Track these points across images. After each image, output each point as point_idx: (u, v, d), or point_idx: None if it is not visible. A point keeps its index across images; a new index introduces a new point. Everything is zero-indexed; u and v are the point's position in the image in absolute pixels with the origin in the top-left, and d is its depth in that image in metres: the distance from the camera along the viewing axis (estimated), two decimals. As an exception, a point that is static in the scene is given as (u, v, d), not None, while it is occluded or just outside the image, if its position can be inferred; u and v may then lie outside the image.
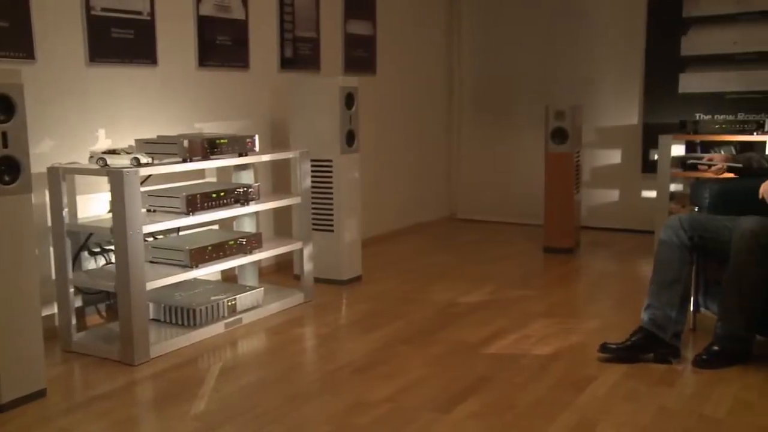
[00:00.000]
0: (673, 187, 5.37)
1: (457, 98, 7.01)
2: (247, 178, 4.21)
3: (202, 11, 4.35)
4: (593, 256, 5.47)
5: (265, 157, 4.07)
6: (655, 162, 5.50)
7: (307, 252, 4.24)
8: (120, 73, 3.91)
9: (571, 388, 2.94)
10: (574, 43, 6.40)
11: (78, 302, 3.57)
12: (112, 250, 3.55)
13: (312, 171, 4.40)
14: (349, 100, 4.50)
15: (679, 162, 5.35)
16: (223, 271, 4.21)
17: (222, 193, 3.71)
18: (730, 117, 5.72)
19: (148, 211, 3.59)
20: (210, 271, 3.67)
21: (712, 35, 5.82)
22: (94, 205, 3.74)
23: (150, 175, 3.61)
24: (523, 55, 6.62)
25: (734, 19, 5.72)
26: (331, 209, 4.55)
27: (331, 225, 4.56)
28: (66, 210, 3.34)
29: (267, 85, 4.88)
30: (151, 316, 3.65)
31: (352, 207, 4.61)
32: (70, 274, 3.38)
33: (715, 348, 3.16)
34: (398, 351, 3.41)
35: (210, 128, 4.46)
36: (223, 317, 3.73)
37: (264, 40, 4.84)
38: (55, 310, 3.47)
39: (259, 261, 4.31)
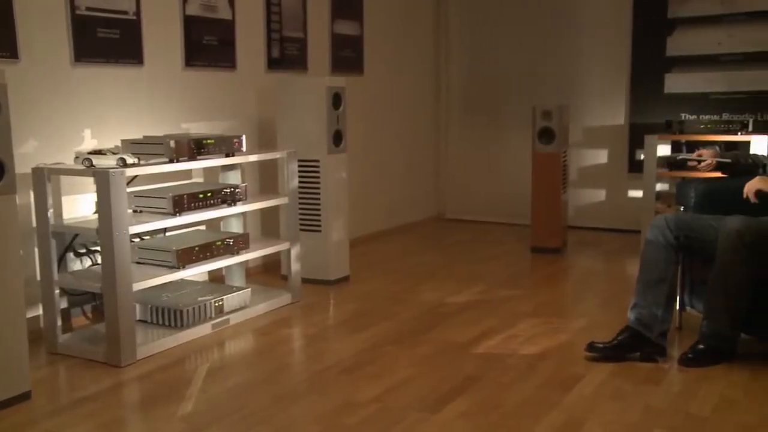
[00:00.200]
0: (659, 186, 5.40)
1: (444, 98, 7.03)
2: (234, 178, 4.20)
3: (188, 11, 4.33)
4: (580, 255, 5.49)
5: (253, 158, 4.06)
6: (641, 162, 5.53)
7: (294, 252, 4.23)
8: (106, 73, 3.89)
9: (559, 387, 2.95)
10: (561, 43, 6.42)
11: (63, 304, 3.54)
12: (98, 251, 3.53)
13: (299, 171, 4.39)
14: (337, 100, 4.50)
15: (665, 162, 5.38)
16: (210, 272, 4.20)
17: (209, 194, 3.69)
18: (715, 117, 5.77)
19: (135, 211, 3.57)
20: (197, 272, 3.65)
21: (698, 36, 5.86)
22: (80, 205, 3.72)
23: (136, 176, 3.59)
24: (511, 55, 6.63)
25: (719, 20, 5.76)
26: (319, 209, 4.54)
27: (319, 225, 4.55)
28: (51, 211, 3.32)
29: (254, 86, 4.87)
30: (138, 317, 3.63)
31: (339, 207, 4.61)
32: (56, 276, 3.36)
33: (701, 346, 3.18)
34: (386, 351, 3.41)
35: (197, 128, 4.44)
36: (211, 318, 3.72)
37: (251, 40, 4.82)
38: (40, 311, 3.45)
39: (247, 261, 4.29)
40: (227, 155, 3.82)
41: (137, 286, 3.30)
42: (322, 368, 3.21)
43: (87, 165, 3.28)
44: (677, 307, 3.46)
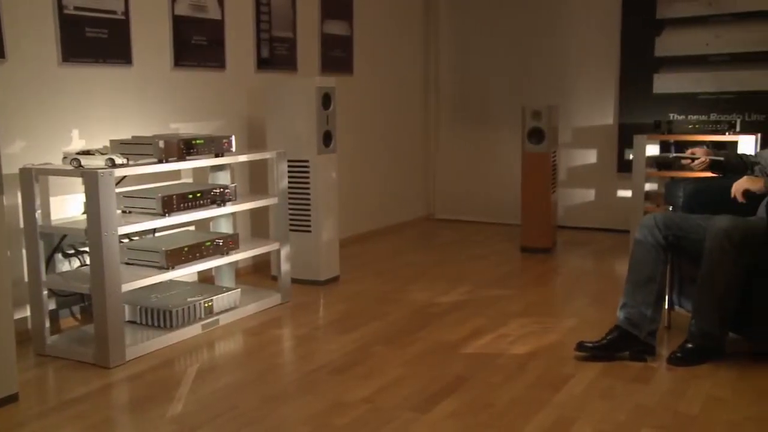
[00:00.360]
0: (648, 186, 5.43)
1: (434, 98, 7.03)
2: (223, 178, 4.19)
3: (177, 11, 4.32)
4: (570, 255, 5.51)
5: (242, 158, 4.05)
6: (630, 162, 5.55)
7: (284, 252, 4.23)
8: (94, 73, 3.87)
9: (548, 386, 2.95)
10: (550, 43, 6.44)
11: (52, 305, 3.53)
12: (86, 252, 3.52)
13: (289, 171, 4.39)
14: (326, 100, 4.49)
15: (654, 161, 5.41)
16: (199, 273, 4.19)
17: (198, 194, 3.68)
18: (703, 117, 5.80)
19: (124, 212, 3.56)
20: (186, 273, 3.64)
21: (685, 36, 5.89)
22: (68, 206, 3.70)
23: (125, 176, 3.58)
24: (500, 55, 6.65)
25: (706, 20, 5.79)
26: (309, 210, 4.54)
27: (309, 225, 4.55)
28: (39, 211, 3.30)
29: (243, 86, 4.86)
30: (127, 318, 3.62)
31: (329, 207, 4.60)
32: (44, 276, 3.34)
33: (690, 345, 3.20)
34: (376, 351, 3.41)
35: (186, 129, 4.43)
36: (200, 319, 3.71)
37: (240, 40, 4.81)
38: (28, 312, 3.42)
39: (236, 262, 4.28)
40: (217, 155, 3.81)
41: (126, 287, 3.29)
42: (312, 369, 3.21)
43: (75, 165, 3.26)
44: (666, 307, 3.48)
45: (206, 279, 4.41)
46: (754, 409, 2.74)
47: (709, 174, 3.72)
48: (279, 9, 5.12)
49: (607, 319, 3.49)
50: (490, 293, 4.38)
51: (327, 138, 4.52)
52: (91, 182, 3.13)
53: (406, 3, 6.67)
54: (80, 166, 3.26)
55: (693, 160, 3.60)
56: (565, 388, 2.93)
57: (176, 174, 4.23)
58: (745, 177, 3.24)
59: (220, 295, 3.84)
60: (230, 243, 3.87)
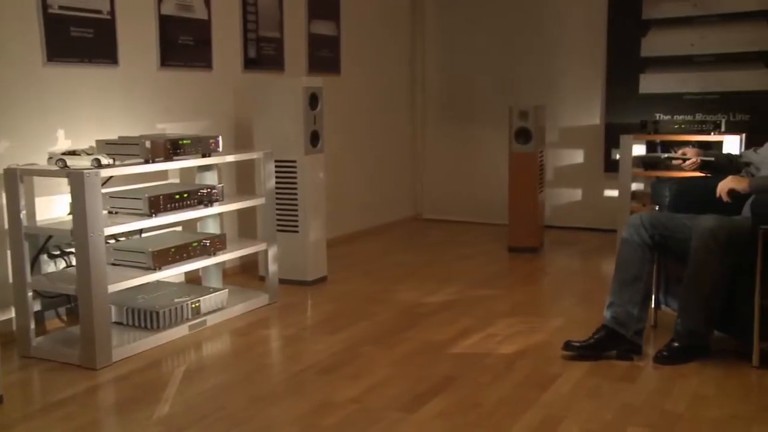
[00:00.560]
0: (635, 186, 5.46)
1: (421, 98, 7.04)
2: (210, 179, 4.17)
3: (163, 10, 4.30)
4: (557, 255, 5.53)
5: (229, 158, 4.03)
6: (617, 161, 5.58)
7: (271, 253, 4.22)
8: (80, 73, 3.85)
9: (536, 386, 2.96)
10: (537, 44, 6.46)
11: (37, 306, 3.50)
12: (72, 253, 3.49)
13: (276, 172, 4.38)
14: (314, 100, 4.49)
15: (642, 161, 5.44)
16: (186, 273, 4.17)
17: (185, 195, 3.67)
18: (689, 117, 5.83)
19: (110, 212, 3.53)
20: (173, 273, 3.63)
21: (671, 37, 5.93)
22: (53, 206, 3.67)
23: (111, 177, 3.56)
24: (487, 56, 6.66)
25: (691, 21, 5.83)
26: (296, 210, 4.53)
27: (296, 226, 4.54)
28: (24, 212, 3.28)
29: (230, 86, 4.85)
30: (114, 319, 3.60)
31: (316, 207, 4.60)
32: (29, 278, 3.32)
33: (676, 344, 3.21)
34: (364, 351, 3.40)
35: (172, 129, 4.41)
36: (187, 319, 3.69)
37: (227, 40, 4.80)
38: (13, 314, 3.40)
39: (224, 262, 4.27)
40: (203, 156, 3.80)
41: (113, 288, 3.27)
42: (299, 369, 3.20)
43: (61, 166, 3.24)
44: (652, 306, 3.50)
45: (193, 279, 4.39)
46: (739, 406, 2.76)
47: (695, 174, 3.75)
48: (266, 9, 5.11)
49: (594, 319, 3.51)
50: (477, 293, 4.39)
51: (314, 138, 4.52)
52: (77, 183, 3.11)
53: (393, 3, 6.67)
54: (66, 166, 3.24)
55: (684, 160, 3.63)
56: (552, 388, 2.94)
57: (163, 174, 4.21)
58: (730, 177, 3.27)
59: (207, 296, 3.82)
60: (217, 243, 3.86)
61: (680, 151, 3.68)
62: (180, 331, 3.62)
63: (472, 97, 6.78)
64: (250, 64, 4.99)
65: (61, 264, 3.64)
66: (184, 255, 3.65)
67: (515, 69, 6.55)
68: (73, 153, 3.31)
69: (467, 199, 6.87)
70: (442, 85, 6.94)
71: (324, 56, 5.73)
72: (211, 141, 3.83)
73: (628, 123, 5.88)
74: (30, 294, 3.33)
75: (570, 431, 2.56)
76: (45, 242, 3.53)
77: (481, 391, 2.91)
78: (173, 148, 3.59)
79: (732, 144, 5.08)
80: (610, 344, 3.25)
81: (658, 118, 5.88)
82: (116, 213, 3.53)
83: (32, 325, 3.35)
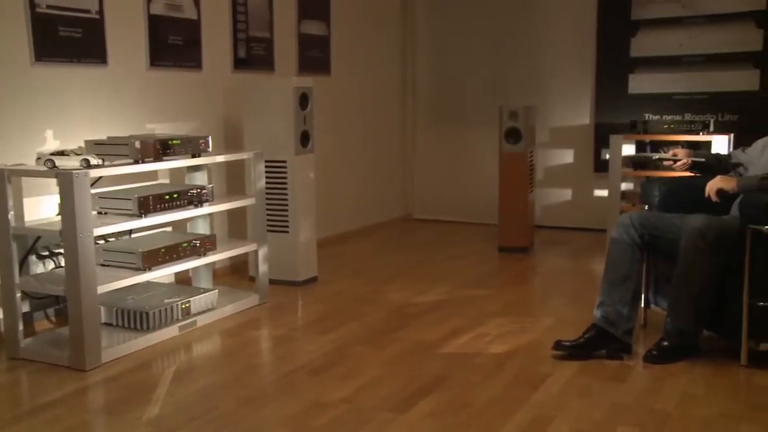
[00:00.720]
0: (624, 186, 5.48)
1: (411, 99, 7.04)
2: (200, 179, 4.16)
3: (152, 10, 4.28)
4: (547, 254, 5.54)
5: (219, 158, 4.02)
6: (606, 161, 5.60)
7: (262, 253, 4.21)
8: (68, 73, 3.83)
9: (526, 385, 2.97)
10: (526, 44, 6.48)
11: (25, 307, 3.48)
12: (61, 254, 3.48)
13: (266, 172, 4.37)
14: (304, 100, 4.48)
15: (634, 161, 5.46)
16: (176, 274, 4.15)
17: (175, 195, 3.65)
18: (678, 117, 5.86)
19: (99, 213, 3.52)
20: (163, 274, 3.62)
21: (660, 37, 5.95)
22: (42, 207, 3.65)
23: (100, 177, 3.54)
24: (477, 56, 6.67)
25: (680, 22, 5.86)
26: (286, 210, 4.52)
27: (287, 226, 4.53)
28: (12, 213, 3.25)
29: (220, 86, 4.83)
30: (103, 320, 3.58)
31: (307, 208, 4.59)
32: (17, 279, 3.30)
33: (665, 343, 3.23)
34: (354, 351, 3.40)
35: (162, 129, 4.39)
36: (177, 320, 3.68)
37: (217, 40, 4.78)
38: (1, 315, 3.38)
39: (214, 263, 4.26)
40: (193, 156, 3.79)
41: (102, 289, 3.25)
42: (290, 369, 3.20)
43: (50, 166, 3.23)
44: (642, 305, 3.51)
45: (183, 280, 4.37)
46: (728, 405, 2.78)
47: (684, 173, 3.77)
48: (256, 9, 5.10)
49: (584, 318, 3.52)
50: (468, 293, 4.40)
51: (304, 138, 4.51)
52: (66, 183, 3.09)
53: (384, 3, 6.67)
54: (55, 166, 3.22)
55: (675, 161, 3.65)
56: (542, 387, 2.95)
57: (153, 175, 4.19)
58: (718, 177, 3.29)
59: (197, 297, 3.81)
60: (207, 244, 3.84)
61: (671, 152, 3.70)
62: (170, 332, 3.61)
63: (462, 97, 6.79)
64: (239, 64, 4.98)
65: (50, 265, 3.63)
66: (174, 255, 3.63)
67: (505, 69, 6.56)
68: (61, 153, 3.29)
69: (458, 199, 6.88)
70: (433, 85, 6.95)
71: (314, 56, 5.72)
72: (201, 141, 3.82)
73: (618, 123, 5.91)
74: (18, 295, 3.31)
75: (560, 430, 2.57)
76: (33, 243, 3.51)
77: (472, 391, 2.92)
78: (163, 149, 3.58)
79: (720, 144, 5.11)
80: (600, 344, 3.26)
81: (647, 118, 5.90)
82: (106, 213, 3.52)
83: (20, 327, 3.33)
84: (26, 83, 3.63)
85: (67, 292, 3.18)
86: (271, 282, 4.34)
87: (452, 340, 3.53)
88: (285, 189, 4.50)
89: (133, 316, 3.57)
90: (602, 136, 6.01)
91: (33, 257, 3.55)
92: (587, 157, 6.34)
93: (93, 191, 3.30)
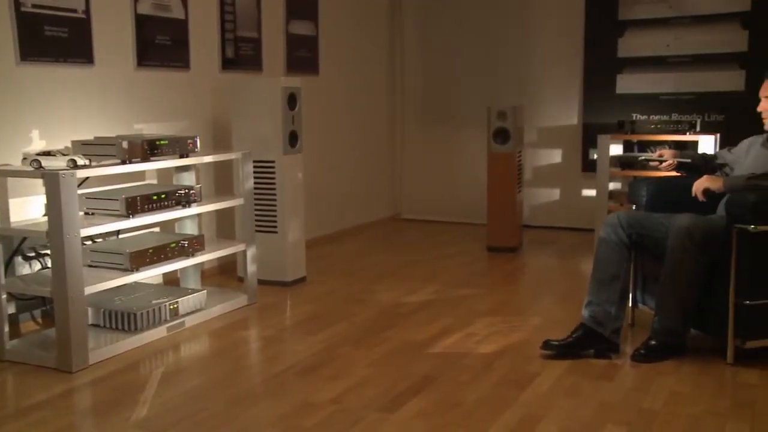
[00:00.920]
0: (612, 185, 5.50)
1: (400, 98, 7.05)
2: (188, 179, 4.14)
3: (139, 10, 4.26)
4: (536, 254, 5.56)
5: (207, 159, 4.01)
6: (594, 161, 5.63)
7: (250, 254, 4.20)
8: (54, 73, 3.80)
9: (515, 385, 2.98)
10: (515, 44, 6.49)
11: (11, 309, 3.46)
12: (47, 255, 3.45)
13: (255, 172, 4.36)
14: (292, 100, 4.47)
15: (622, 161, 5.48)
16: (164, 274, 4.14)
17: (163, 195, 3.64)
18: (665, 117, 5.90)
19: (86, 213, 3.50)
20: (151, 275, 3.60)
21: (647, 38, 5.98)
22: (29, 207, 3.63)
23: (87, 178, 3.52)
24: (466, 56, 6.68)
25: (666, 22, 5.90)
26: (275, 210, 4.51)
27: (275, 226, 4.52)
28: (-2, 213, 3.24)
29: (208, 86, 4.82)
30: (90, 322, 3.57)
31: (295, 208, 4.58)
32: (3, 280, 3.27)
33: (653, 342, 3.25)
34: (343, 352, 3.40)
35: (150, 129, 4.37)
36: (165, 321, 3.66)
37: (205, 39, 4.77)
38: (-12, 317, 3.35)
39: (202, 263, 4.24)
40: (181, 156, 3.77)
41: (89, 290, 3.23)
42: (279, 370, 3.19)
43: (36, 167, 3.20)
44: (630, 304, 3.53)
45: (171, 281, 4.36)
46: (714, 402, 2.80)
47: (671, 173, 3.79)
48: (244, 9, 5.08)
49: (573, 317, 3.53)
50: (457, 293, 4.40)
51: (293, 138, 4.50)
52: (53, 184, 3.07)
53: (372, 3, 6.67)
54: (41, 167, 3.20)
55: (661, 162, 3.68)
56: (531, 387, 2.96)
57: (140, 175, 4.17)
58: (705, 176, 3.31)
59: (185, 297, 3.80)
60: (195, 244, 3.83)
61: (657, 153, 3.73)
62: (158, 333, 3.59)
63: (450, 97, 6.80)
64: (228, 64, 4.97)
65: (36, 266, 3.60)
66: (162, 256, 3.62)
67: (494, 69, 6.57)
68: (48, 153, 3.27)
69: (446, 199, 6.88)
70: (421, 85, 6.95)
71: (302, 56, 5.71)
72: (189, 141, 3.80)
73: (606, 123, 5.93)
74: (4, 296, 3.29)
75: (549, 430, 2.58)
76: (19, 244, 3.49)
77: (461, 391, 2.92)
78: (150, 149, 3.56)
79: (707, 144, 5.14)
80: (589, 343, 3.28)
81: (634, 118, 5.93)
82: (93, 214, 3.50)
83: (6, 328, 3.30)
84: (12, 83, 3.60)
85: (54, 293, 3.15)
86: (260, 282, 4.33)
87: (441, 340, 3.54)
88: (273, 189, 4.49)
89: (120, 317, 3.56)
90: (590, 136, 6.03)
91: (19, 258, 3.52)
92: (575, 157, 6.37)
93: (80, 192, 3.28)
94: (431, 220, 6.88)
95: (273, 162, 4.46)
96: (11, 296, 3.43)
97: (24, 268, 3.55)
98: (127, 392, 2.94)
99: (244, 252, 4.19)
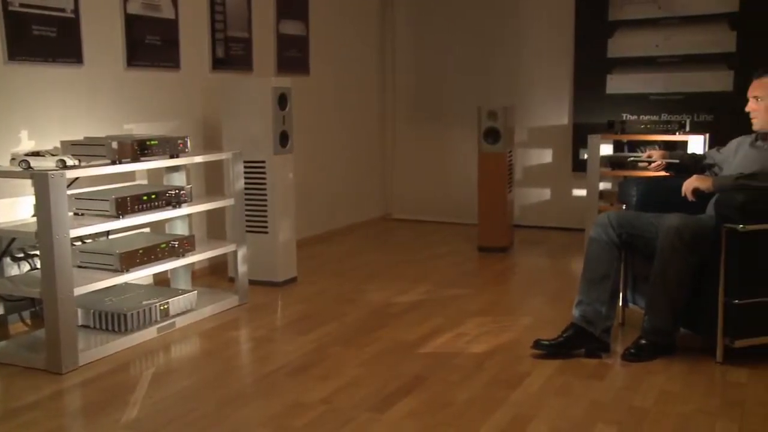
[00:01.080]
0: (602, 185, 5.52)
1: (391, 98, 7.05)
2: (178, 180, 4.13)
3: (129, 10, 4.25)
4: (526, 254, 5.57)
5: (198, 159, 4.00)
6: (585, 161, 5.65)
7: (241, 254, 4.19)
8: (43, 72, 3.78)
9: (506, 384, 2.98)
10: (505, 45, 6.50)
11: (0, 310, 3.43)
12: (36, 255, 3.43)
13: (245, 172, 4.35)
14: (283, 100, 4.47)
15: (612, 162, 5.50)
16: (155, 275, 4.12)
17: (153, 196, 3.63)
18: (655, 117, 5.92)
19: (76, 214, 3.48)
20: (141, 275, 3.59)
21: (636, 38, 6.01)
22: (18, 208, 3.61)
23: (77, 178, 3.51)
24: (456, 56, 6.69)
25: (656, 23, 5.92)
26: (266, 210, 4.50)
27: (266, 226, 4.51)
28: (-14, 214, 3.22)
29: (198, 86, 4.80)
30: (80, 323, 3.55)
31: (286, 208, 4.58)
32: (-8, 281, 3.26)
33: (643, 341, 3.26)
34: (334, 352, 3.40)
35: (140, 130, 4.36)
36: (156, 322, 3.65)
37: (195, 39, 4.75)
38: (-24, 318, 3.34)
39: (193, 264, 4.23)
40: (171, 156, 3.76)
41: (79, 291, 3.22)
42: (269, 370, 3.19)
43: (24, 167, 3.18)
44: (620, 304, 3.54)
45: (162, 281, 4.34)
46: (704, 401, 2.81)
47: (659, 173, 3.80)
48: (234, 8, 5.07)
49: (564, 317, 3.54)
50: (447, 293, 4.41)
51: (283, 138, 4.50)
52: (42, 184, 3.05)
53: (362, 3, 6.67)
54: (30, 167, 3.18)
55: (650, 163, 3.69)
56: (522, 386, 2.96)
57: (130, 175, 4.16)
58: (694, 176, 3.33)
59: (176, 298, 3.78)
60: (186, 245, 3.82)
61: (646, 154, 3.75)
62: (148, 334, 3.58)
63: (441, 97, 6.81)
64: (218, 64, 4.95)
65: (25, 267, 3.58)
66: (153, 257, 3.61)
67: (484, 69, 6.58)
68: (36, 154, 3.25)
69: (437, 199, 6.89)
70: (412, 85, 6.96)
71: (293, 56, 5.70)
72: (179, 141, 3.79)
73: (596, 123, 5.94)
74: (-7, 297, 3.27)
75: (539, 429, 2.58)
76: (8, 245, 3.47)
77: (451, 391, 2.92)
78: (140, 149, 3.55)
79: (696, 144, 5.17)
80: (579, 342, 3.28)
81: (624, 118, 5.96)
82: (82, 215, 3.48)
83: (-5, 330, 3.29)
84: (0, 83, 3.58)
85: (43, 294, 3.14)
86: (251, 282, 4.32)
87: (432, 340, 3.54)
88: (264, 189, 4.48)
89: (110, 318, 3.54)
90: (580, 136, 6.05)
91: (8, 259, 3.50)
92: (566, 157, 6.38)
93: (69, 192, 3.27)
94: (422, 220, 6.89)
95: (263, 162, 4.45)
96: (0, 297, 3.41)
97: (13, 269, 3.53)
98: (117, 393, 2.93)
99: (235, 252, 4.19)
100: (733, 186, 3.15)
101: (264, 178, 4.47)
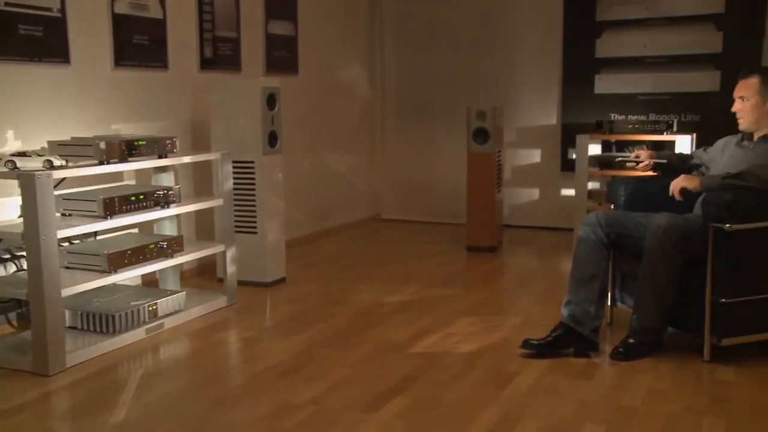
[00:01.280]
0: (591, 185, 5.54)
1: (380, 98, 7.05)
2: (167, 180, 4.11)
3: (117, 9, 4.23)
4: (515, 254, 5.58)
5: (186, 159, 3.99)
6: (573, 161, 5.66)
7: (229, 254, 4.18)
8: (29, 72, 3.76)
9: (495, 384, 2.99)
10: (494, 45, 6.52)
11: (-13, 311, 3.42)
12: (23, 256, 3.41)
13: (234, 172, 4.34)
14: (271, 100, 4.46)
15: (601, 162, 5.52)
16: (143, 276, 4.10)
17: (141, 196, 3.61)
18: (642, 117, 5.95)
19: (63, 215, 3.46)
20: (129, 276, 3.57)
21: (624, 39, 6.03)
22: (4, 209, 3.58)
23: (64, 179, 3.49)
24: (445, 56, 6.69)
25: (643, 23, 5.95)
26: (254, 211, 4.49)
27: (255, 227, 4.50)
28: (-28, 215, 3.19)
29: (187, 86, 4.79)
30: (68, 324, 3.52)
31: (275, 208, 4.57)
32: (-22, 283, 3.23)
33: (631, 341, 3.27)
34: (323, 352, 3.39)
35: (127, 130, 4.34)
36: (144, 323, 3.63)
37: (183, 39, 4.74)
38: (-38, 320, 3.31)
39: (181, 264, 4.21)
40: (160, 157, 3.75)
41: (66, 292, 3.20)
42: (258, 371, 3.18)
43: (10, 167, 3.16)
44: (608, 303, 3.56)
45: (150, 282, 4.32)
46: (692, 399, 2.82)
47: (649, 173, 3.83)
48: (222, 8, 5.06)
49: (552, 316, 3.55)
50: (436, 293, 4.41)
51: (272, 138, 4.49)
52: (28, 185, 3.03)
53: (351, 3, 6.66)
54: (16, 168, 3.16)
55: (637, 163, 3.71)
56: (511, 386, 2.97)
57: (118, 176, 4.13)
58: (682, 176, 3.34)
59: (164, 299, 3.77)
60: (174, 245, 3.80)
61: (634, 154, 3.77)
62: (137, 335, 3.56)
63: (430, 97, 6.81)
64: (206, 64, 4.94)
65: (12, 268, 3.56)
66: (141, 257, 3.59)
67: (473, 69, 6.59)
68: (23, 154, 3.23)
69: (426, 199, 6.89)
70: (401, 85, 6.96)
71: (281, 56, 5.69)
72: (168, 142, 3.78)
73: (584, 123, 5.96)
74: (-21, 299, 3.25)
75: (528, 428, 2.59)
76: (-5, 246, 3.45)
77: (441, 391, 2.93)
78: (128, 149, 3.53)
79: (683, 143, 5.20)
80: (568, 342, 3.29)
81: (613, 118, 5.98)
82: (70, 215, 3.46)
83: (-19, 331, 3.26)
84: (-14, 83, 3.56)
85: (30, 295, 3.11)
86: (240, 283, 4.31)
87: (421, 340, 3.54)
88: (253, 190, 4.47)
89: (98, 319, 3.52)
90: (569, 136, 6.07)
91: (-6, 260, 3.48)
92: (554, 157, 6.40)
93: (57, 193, 3.25)
94: (411, 221, 6.89)
95: (252, 162, 4.44)
96: (-14, 299, 3.39)
97: (-1, 271, 3.51)
98: (105, 395, 2.92)
99: (224, 253, 4.17)
100: (720, 185, 3.17)
101: (253, 179, 4.46)
